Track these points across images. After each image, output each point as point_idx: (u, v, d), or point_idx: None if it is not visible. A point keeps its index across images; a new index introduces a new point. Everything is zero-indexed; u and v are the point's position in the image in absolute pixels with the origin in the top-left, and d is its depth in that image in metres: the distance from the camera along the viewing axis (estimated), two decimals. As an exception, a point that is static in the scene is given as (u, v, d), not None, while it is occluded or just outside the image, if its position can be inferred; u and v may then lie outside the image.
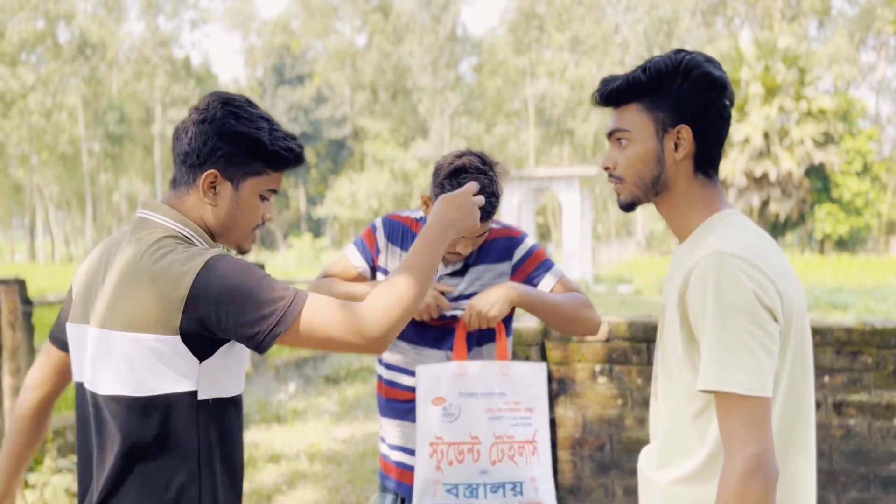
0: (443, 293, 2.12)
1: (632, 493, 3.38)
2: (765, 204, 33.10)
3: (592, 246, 23.63)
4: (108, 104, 41.82)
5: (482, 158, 2.05)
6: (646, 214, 43.14)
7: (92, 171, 42.57)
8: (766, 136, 32.23)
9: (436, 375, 2.04)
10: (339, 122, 48.74)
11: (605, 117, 40.94)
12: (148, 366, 1.34)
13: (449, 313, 2.13)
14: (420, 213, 2.24)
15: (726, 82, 1.39)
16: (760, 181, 32.83)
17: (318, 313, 1.35)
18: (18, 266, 30.77)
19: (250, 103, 1.46)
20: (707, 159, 1.40)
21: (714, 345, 1.24)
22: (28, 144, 38.96)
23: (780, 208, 32.79)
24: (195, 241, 1.43)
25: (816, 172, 33.13)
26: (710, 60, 1.39)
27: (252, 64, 53.92)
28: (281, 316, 1.33)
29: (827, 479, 3.17)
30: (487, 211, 1.99)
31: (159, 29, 45.04)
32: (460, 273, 2.16)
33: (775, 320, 1.26)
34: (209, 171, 1.41)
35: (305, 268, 27.79)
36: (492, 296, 2.04)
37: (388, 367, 2.23)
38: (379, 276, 2.22)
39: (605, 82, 1.43)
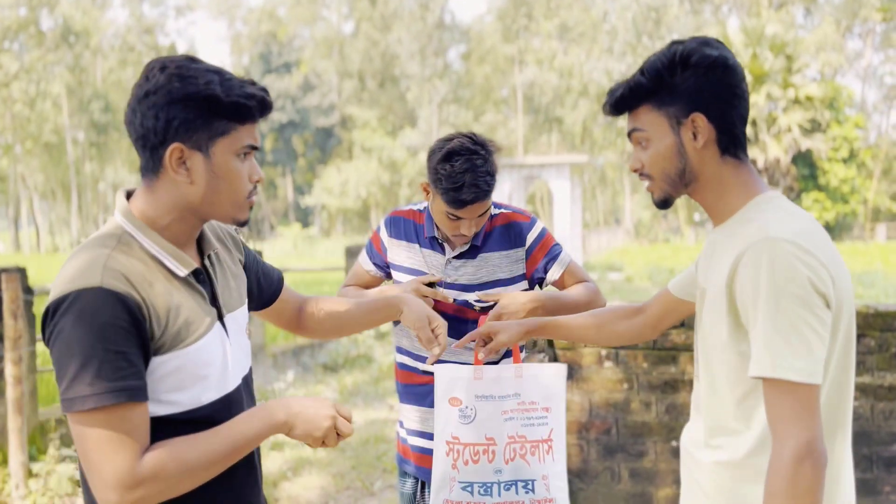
0: (430, 284, 2.12)
1: (638, 475, 3.42)
2: (752, 191, 33.29)
3: (582, 234, 23.71)
4: (92, 93, 41.39)
5: (472, 138, 2.07)
6: (634, 202, 43.29)
7: (77, 160, 42.17)
8: (753, 123, 32.37)
9: (452, 377, 2.05)
10: (326, 111, 48.50)
11: (593, 105, 40.97)
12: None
13: (461, 299, 2.14)
14: (424, 204, 2.26)
15: (728, 60, 1.36)
16: (748, 168, 33.01)
17: (92, 435, 1.18)
18: (4, 257, 30.49)
19: (193, 59, 1.29)
20: (731, 140, 1.38)
21: (768, 331, 1.23)
22: (12, 133, 38.53)
23: (768, 195, 32.98)
24: (138, 239, 1.30)
25: (803, 159, 33.33)
26: (706, 43, 1.38)
27: (238, 52, 53.49)
28: (70, 399, 1.17)
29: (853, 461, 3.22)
30: (484, 190, 2.01)
31: (144, 16, 44.59)
32: (469, 255, 2.16)
33: (828, 306, 1.25)
34: (172, 147, 1.25)
35: (299, 257, 27.73)
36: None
37: (405, 352, 2.25)
38: (393, 273, 2.25)
39: (611, 93, 1.43)
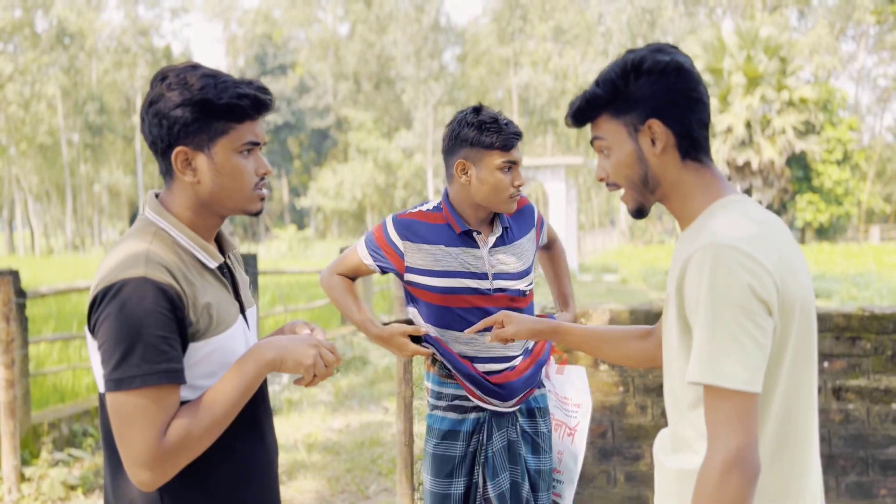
0: (414, 338, 2.24)
1: (633, 479, 3.41)
2: (747, 193, 33.33)
3: (577, 235, 23.73)
4: (87, 94, 41.26)
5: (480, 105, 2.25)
6: (629, 204, 43.16)
7: (72, 162, 42.04)
8: (748, 125, 32.46)
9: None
10: (322, 113, 48.44)
11: (588, 107, 41.01)
12: (97, 361, 1.33)
13: (513, 288, 2.23)
14: (432, 204, 2.28)
15: (682, 64, 1.36)
16: (742, 170, 33.09)
17: (129, 412, 1.26)
18: (-2, 258, 30.36)
19: (194, 66, 1.38)
20: (691, 145, 1.37)
21: (705, 337, 1.22)
22: (6, 135, 38.38)
23: (762, 197, 33.07)
24: (171, 234, 1.39)
25: (797, 161, 33.43)
26: (659, 49, 1.38)
27: (234, 53, 53.42)
28: (117, 379, 1.26)
29: (826, 463, 3.22)
30: (517, 127, 2.19)
31: (139, 18, 44.47)
32: (505, 240, 2.25)
33: (769, 314, 1.24)
34: (177, 150, 1.35)
35: (294, 258, 27.68)
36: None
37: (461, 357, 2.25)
38: (413, 276, 2.23)
39: (571, 105, 1.44)
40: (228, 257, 1.52)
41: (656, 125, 1.35)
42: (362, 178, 42.81)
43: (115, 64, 43.13)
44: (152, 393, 1.27)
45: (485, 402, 2.23)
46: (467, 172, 2.17)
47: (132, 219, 49.01)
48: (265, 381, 1.58)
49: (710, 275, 1.22)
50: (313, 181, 45.82)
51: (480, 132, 2.13)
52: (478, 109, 2.17)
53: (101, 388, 1.34)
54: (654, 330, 1.75)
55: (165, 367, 1.28)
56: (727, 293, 1.21)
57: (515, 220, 2.30)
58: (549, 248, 2.54)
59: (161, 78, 1.36)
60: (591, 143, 1.45)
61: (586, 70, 40.88)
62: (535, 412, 2.32)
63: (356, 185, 42.92)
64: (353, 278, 2.36)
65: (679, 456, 1.38)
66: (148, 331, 1.26)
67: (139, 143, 42.85)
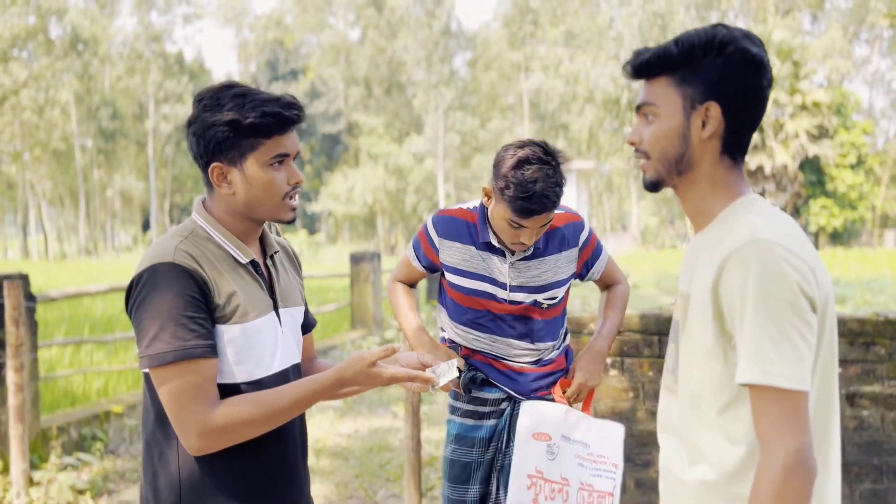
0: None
1: (644, 485, 3.37)
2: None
3: (589, 240, 23.66)
4: (100, 100, 41.58)
5: (544, 147, 2.10)
6: (640, 209, 43.17)
7: (85, 167, 42.35)
8: (761, 129, 32.30)
9: (542, 412, 2.15)
10: (333, 118, 48.58)
11: (599, 111, 40.93)
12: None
13: (530, 300, 2.21)
14: (474, 203, 2.29)
15: (763, 61, 1.31)
16: (755, 174, 32.90)
17: (171, 386, 1.40)
18: (12, 263, 30.58)
19: (228, 86, 1.50)
20: (736, 141, 1.33)
21: (757, 336, 1.19)
22: (20, 141, 38.72)
23: (775, 202, 32.87)
24: (208, 231, 1.53)
25: (811, 166, 33.21)
26: (748, 37, 1.31)
27: (245, 59, 53.70)
28: (150, 355, 1.40)
29: (840, 471, 3.17)
30: (553, 200, 2.05)
31: (152, 24, 44.79)
32: (532, 257, 2.21)
33: (814, 311, 1.21)
34: (213, 166, 1.49)
35: (305, 263, 27.69)
36: (592, 369, 2.27)
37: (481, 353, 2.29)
38: (448, 275, 2.29)
39: (637, 54, 1.36)
40: (270, 258, 1.63)
41: (714, 109, 1.30)
42: (373, 182, 42.87)
43: (128, 70, 43.43)
44: (189, 366, 1.40)
45: (500, 384, 2.25)
46: (490, 198, 2.16)
47: (144, 224, 49.30)
48: (299, 367, 1.66)
49: (757, 272, 1.19)
50: (324, 186, 45.92)
51: (505, 184, 2.04)
52: (524, 162, 2.04)
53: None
54: None
55: (195, 343, 1.40)
56: (777, 290, 1.18)
57: (552, 235, 2.23)
58: (608, 289, 2.44)
59: (199, 99, 1.51)
60: (637, 108, 1.39)
61: (597, 74, 40.78)
62: None
63: (367, 190, 42.99)
64: (412, 284, 2.41)
65: (698, 467, 1.33)
66: (177, 311, 1.40)
67: (152, 148, 43.13)
